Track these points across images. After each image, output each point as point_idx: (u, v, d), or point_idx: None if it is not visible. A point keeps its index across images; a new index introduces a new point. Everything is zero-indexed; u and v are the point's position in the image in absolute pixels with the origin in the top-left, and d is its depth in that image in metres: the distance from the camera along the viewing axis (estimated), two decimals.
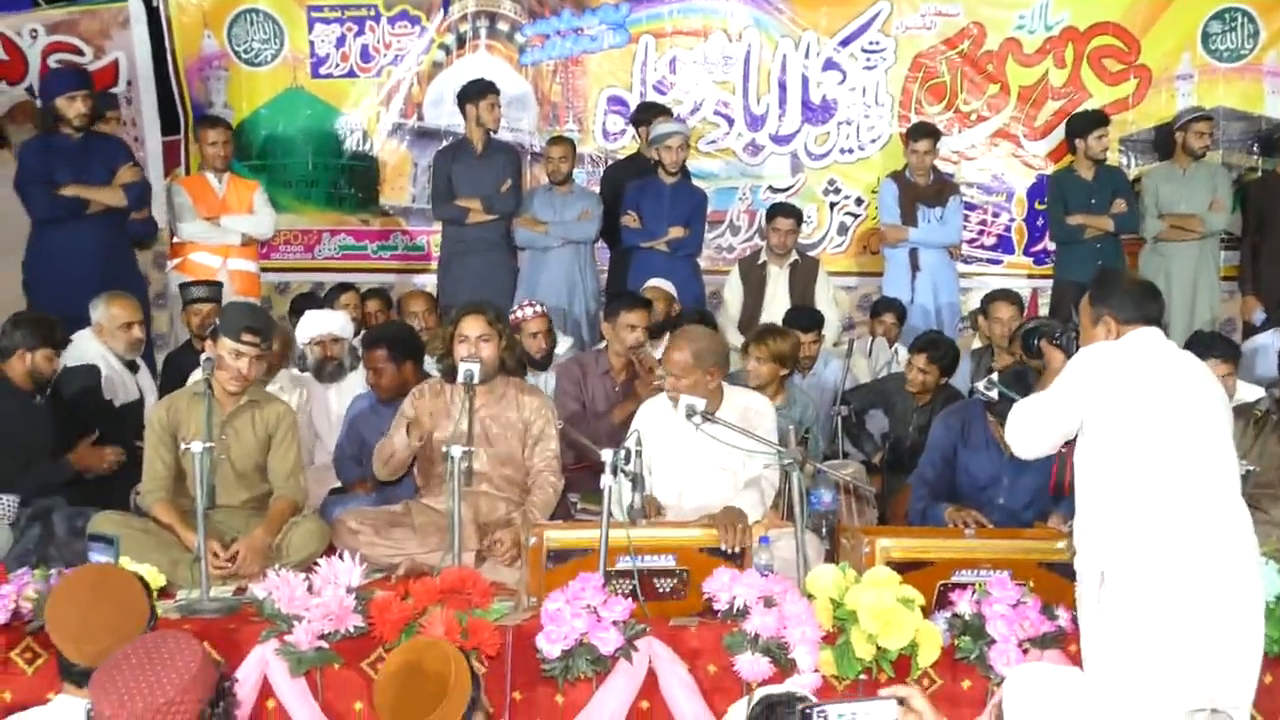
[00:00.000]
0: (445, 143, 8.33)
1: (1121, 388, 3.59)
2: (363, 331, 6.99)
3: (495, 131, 7.73)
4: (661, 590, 4.15)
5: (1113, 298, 3.80)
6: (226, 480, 4.84)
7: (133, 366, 6.22)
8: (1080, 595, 3.66)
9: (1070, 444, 3.82)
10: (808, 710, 2.17)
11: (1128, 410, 3.56)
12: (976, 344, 7.35)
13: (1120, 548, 3.50)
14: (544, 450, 5.06)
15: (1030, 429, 3.81)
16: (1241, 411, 5.19)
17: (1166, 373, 3.64)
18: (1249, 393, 5.64)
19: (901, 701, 2.26)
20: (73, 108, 6.87)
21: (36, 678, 3.93)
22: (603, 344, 6.38)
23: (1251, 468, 4.57)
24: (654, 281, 7.09)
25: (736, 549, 4.21)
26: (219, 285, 6.94)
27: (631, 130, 8.48)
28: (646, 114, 8.08)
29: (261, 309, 6.27)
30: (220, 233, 7.52)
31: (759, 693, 2.76)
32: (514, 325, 6.29)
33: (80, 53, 8.55)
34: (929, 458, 5.14)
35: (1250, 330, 7.60)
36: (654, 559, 4.13)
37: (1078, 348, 3.95)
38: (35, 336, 5.39)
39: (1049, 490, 4.85)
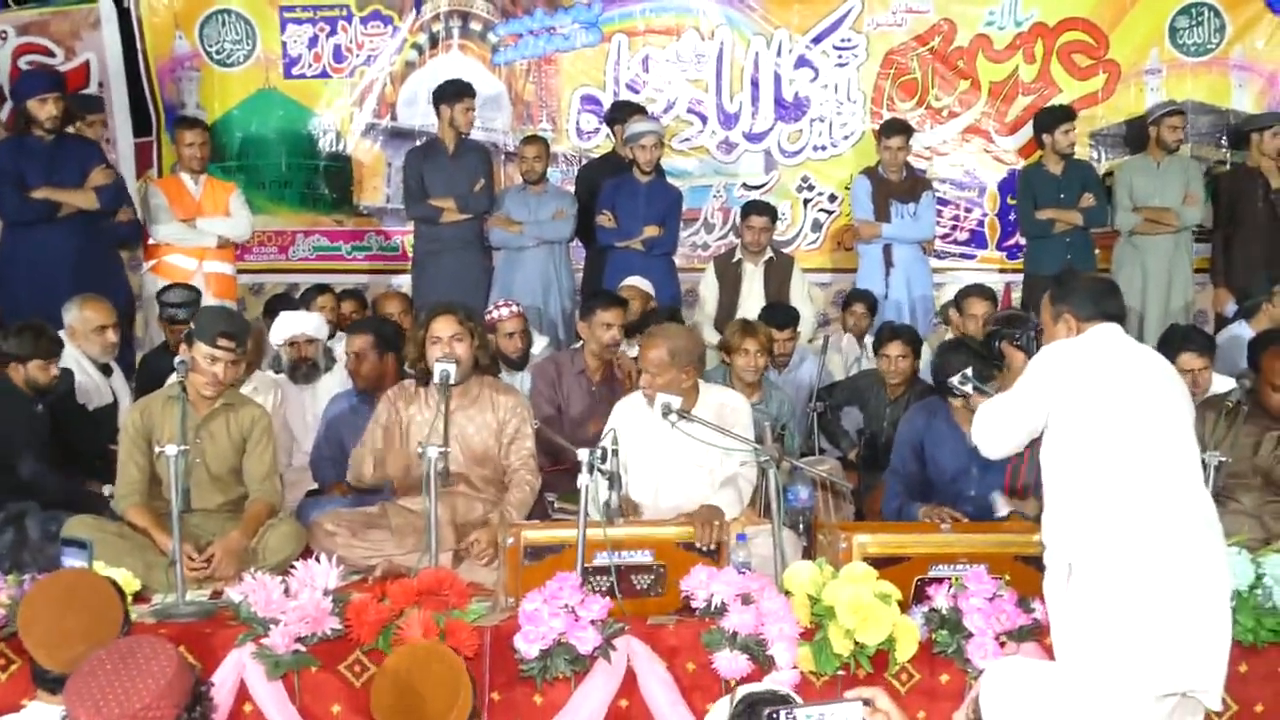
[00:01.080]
0: (419, 142, 8.31)
1: (1083, 384, 3.64)
2: (338, 332, 6.98)
3: (468, 133, 7.72)
4: (639, 587, 4.16)
5: (1072, 296, 3.85)
6: (202, 484, 4.82)
7: (106, 370, 6.18)
8: (1048, 587, 3.68)
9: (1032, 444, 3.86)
10: (774, 714, 2.18)
11: (1090, 405, 3.60)
12: (950, 338, 7.38)
13: (1087, 540, 3.53)
14: (520, 449, 5.05)
15: (996, 429, 3.86)
16: (1213, 403, 5.22)
17: (1127, 368, 3.68)
18: (1220, 384, 5.68)
19: (867, 702, 2.27)
20: (44, 110, 6.82)
21: (10, 684, 3.91)
22: (579, 343, 6.38)
23: (1223, 458, 4.58)
24: (630, 280, 7.10)
25: (712, 546, 4.22)
26: (196, 293, 6.86)
27: (605, 129, 8.48)
28: (621, 113, 8.08)
29: (237, 313, 6.20)
30: (196, 235, 7.46)
31: (741, 690, 2.76)
32: (490, 325, 6.30)
33: (51, 54, 8.49)
34: (899, 454, 5.17)
35: (1222, 322, 7.66)
36: (631, 554, 4.14)
37: (1038, 348, 3.99)
38: (21, 348, 5.41)
39: (1005, 491, 4.90)
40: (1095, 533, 3.52)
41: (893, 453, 5.26)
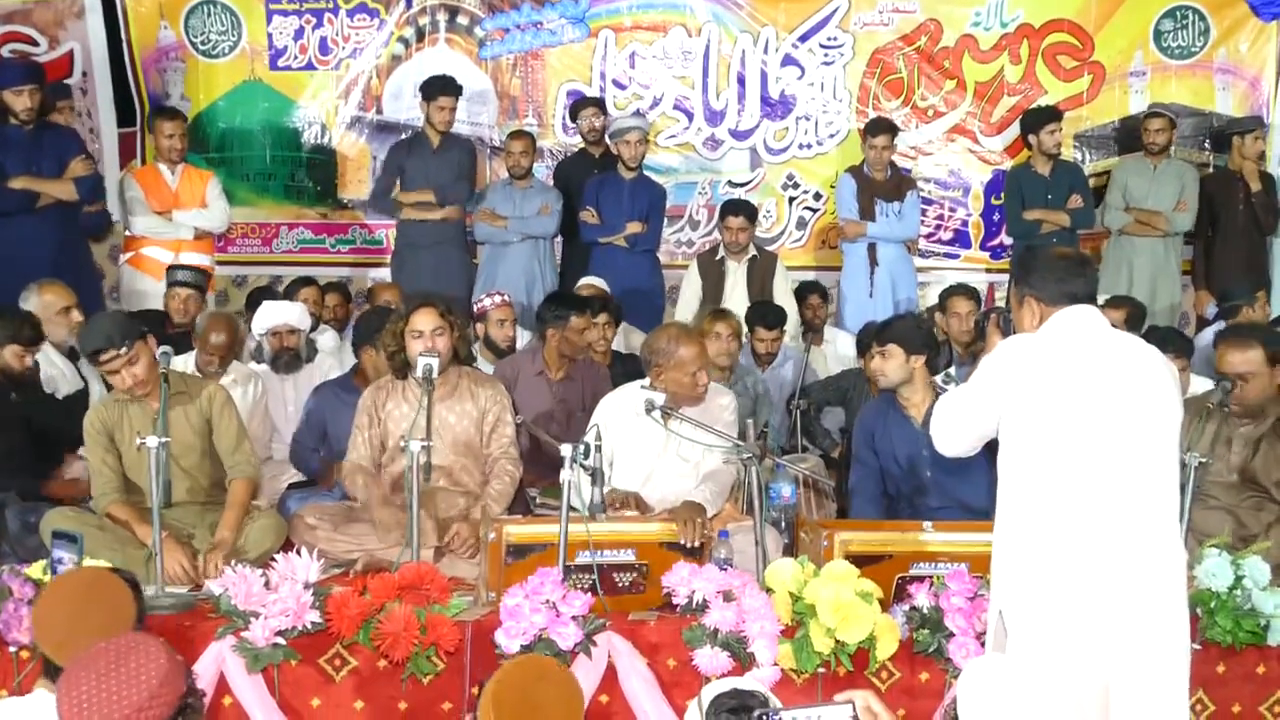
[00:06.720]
0: (404, 136, 8.29)
1: (1033, 388, 3.21)
2: (321, 325, 6.98)
3: (445, 132, 7.72)
4: (621, 584, 4.16)
5: (1032, 275, 3.45)
6: (174, 475, 4.74)
7: (73, 355, 6.11)
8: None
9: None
10: (764, 716, 2.17)
11: (1036, 417, 3.18)
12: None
13: (1019, 584, 3.13)
14: (500, 437, 5.05)
15: (948, 426, 3.51)
16: (1192, 404, 5.23)
17: (1088, 367, 3.21)
18: (1200, 385, 5.71)
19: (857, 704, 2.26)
20: (19, 101, 6.81)
21: None
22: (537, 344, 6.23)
23: (1204, 459, 4.58)
24: (588, 279, 7.16)
25: (696, 544, 4.22)
26: (204, 274, 6.81)
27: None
28: (580, 108, 8.15)
29: (107, 316, 5.63)
30: (172, 227, 7.45)
31: (707, 693, 2.75)
32: (479, 314, 6.34)
33: (34, 43, 8.46)
34: (858, 447, 5.12)
35: (1203, 323, 7.71)
36: (613, 554, 4.13)
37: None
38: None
39: None
40: (1028, 576, 3.10)
41: (853, 445, 5.25)
